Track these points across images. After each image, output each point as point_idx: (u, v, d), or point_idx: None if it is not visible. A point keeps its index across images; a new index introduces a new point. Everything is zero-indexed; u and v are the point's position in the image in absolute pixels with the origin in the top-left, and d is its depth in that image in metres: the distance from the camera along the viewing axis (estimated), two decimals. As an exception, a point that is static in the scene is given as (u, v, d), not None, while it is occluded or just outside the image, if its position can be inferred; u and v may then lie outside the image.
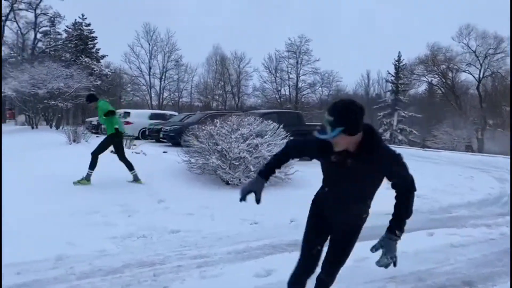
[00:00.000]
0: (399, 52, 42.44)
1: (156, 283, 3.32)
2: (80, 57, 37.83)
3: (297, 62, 51.78)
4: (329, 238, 2.46)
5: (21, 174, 7.00)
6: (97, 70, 37.86)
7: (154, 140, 17.36)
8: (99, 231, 4.63)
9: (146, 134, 18.51)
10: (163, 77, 52.56)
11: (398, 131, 40.50)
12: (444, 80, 46.89)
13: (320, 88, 54.67)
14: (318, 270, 2.50)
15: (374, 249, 2.28)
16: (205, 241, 4.55)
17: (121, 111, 24.56)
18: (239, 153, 7.37)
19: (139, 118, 20.13)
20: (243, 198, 2.33)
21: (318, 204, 2.45)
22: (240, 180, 7.37)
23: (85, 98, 7.80)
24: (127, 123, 19.49)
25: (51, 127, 23.27)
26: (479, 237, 5.05)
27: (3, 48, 39.29)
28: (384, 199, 7.34)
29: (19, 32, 40.74)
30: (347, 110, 2.01)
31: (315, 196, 2.49)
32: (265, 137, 7.79)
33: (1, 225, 3.99)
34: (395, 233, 2.23)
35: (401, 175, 2.23)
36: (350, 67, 70.79)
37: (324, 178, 2.40)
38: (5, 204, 5.40)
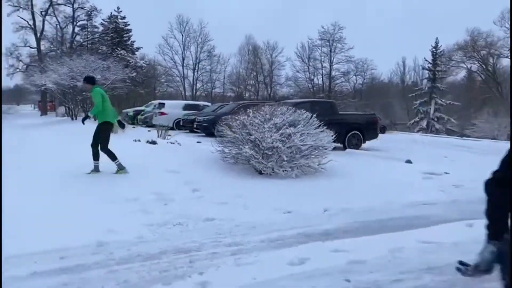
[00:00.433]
0: (437, 38, 41.10)
1: (192, 269, 3.40)
2: (116, 50, 38.77)
3: (330, 51, 51.10)
4: None
5: (66, 164, 7.28)
6: (132, 62, 38.70)
7: (188, 131, 17.57)
8: (137, 218, 4.78)
9: (181, 125, 18.79)
10: (196, 68, 53.22)
11: (435, 119, 39.25)
12: (484, 67, 44.99)
13: (354, 77, 53.89)
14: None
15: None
16: (239, 229, 4.60)
17: (156, 102, 25.13)
18: (272, 143, 7.38)
19: (174, 109, 20.44)
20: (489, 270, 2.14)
21: None
22: (273, 169, 7.39)
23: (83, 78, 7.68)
24: (162, 113, 19.92)
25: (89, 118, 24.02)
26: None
27: (43, 42, 40.94)
28: (421, 189, 7.19)
29: (58, 26, 42.24)
30: None
31: None
32: (298, 126, 7.76)
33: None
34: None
35: None
36: (385, 54, 69.27)
37: None
38: (51, 193, 5.68)
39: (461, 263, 2.33)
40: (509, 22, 41.66)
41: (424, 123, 39.43)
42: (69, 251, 3.72)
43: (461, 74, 48.79)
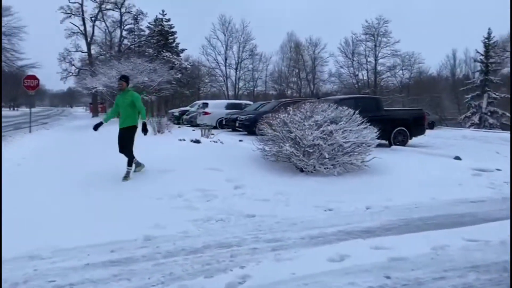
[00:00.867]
0: (489, 29, 39.07)
1: (233, 263, 3.51)
2: (162, 52, 39.87)
3: (375, 45, 49.92)
4: None
5: (114, 163, 7.66)
6: (177, 63, 39.65)
7: (230, 129, 17.83)
8: (182, 214, 4.98)
9: (223, 124, 19.07)
10: (239, 67, 53.74)
11: (489, 114, 37.31)
12: (542, 57, 42.07)
13: (400, 71, 52.23)
14: None
15: None
16: (279, 225, 4.67)
17: (200, 102, 25.67)
18: (312, 140, 7.37)
19: (216, 108, 20.79)
20: None
21: None
22: (314, 167, 7.39)
23: (120, 76, 7.55)
24: (206, 113, 20.33)
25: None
26: None
27: (93, 46, 42.93)
28: (469, 186, 6.91)
29: (106, 30, 44.19)
30: None
31: None
32: (340, 123, 7.69)
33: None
34: None
35: None
36: (434, 47, 66.62)
37: None
38: (103, 190, 6.04)
39: None
40: None
41: (476, 118, 37.62)
42: (118, 244, 3.95)
43: (517, 65, 45.94)
